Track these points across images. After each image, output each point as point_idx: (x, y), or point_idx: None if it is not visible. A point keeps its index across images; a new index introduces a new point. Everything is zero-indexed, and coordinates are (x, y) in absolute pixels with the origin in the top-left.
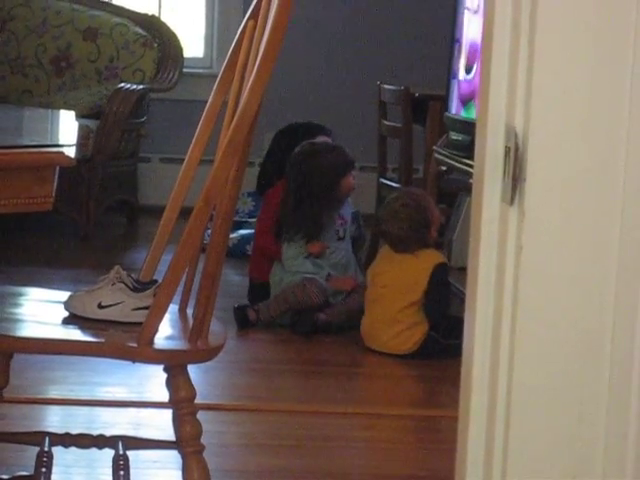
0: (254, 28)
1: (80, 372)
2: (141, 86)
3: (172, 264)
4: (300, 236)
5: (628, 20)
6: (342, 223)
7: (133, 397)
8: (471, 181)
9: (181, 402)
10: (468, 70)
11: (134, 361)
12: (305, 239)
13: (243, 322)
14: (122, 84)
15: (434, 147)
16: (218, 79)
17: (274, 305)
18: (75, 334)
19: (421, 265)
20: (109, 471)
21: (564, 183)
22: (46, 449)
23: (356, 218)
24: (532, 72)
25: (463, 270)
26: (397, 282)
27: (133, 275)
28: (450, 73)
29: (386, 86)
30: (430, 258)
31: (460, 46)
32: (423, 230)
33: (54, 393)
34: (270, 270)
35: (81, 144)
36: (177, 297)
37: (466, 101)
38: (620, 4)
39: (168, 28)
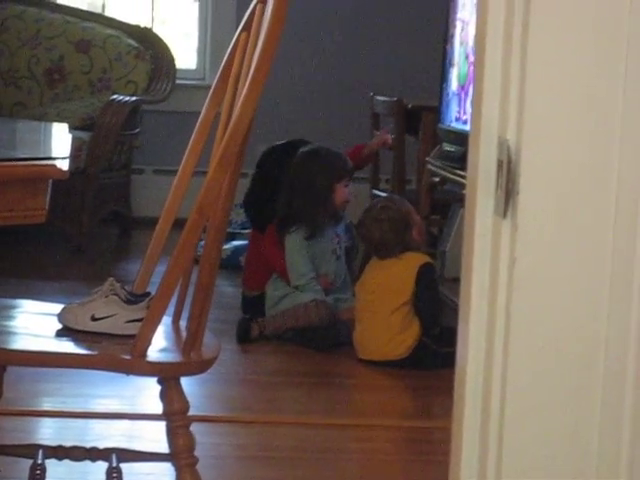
0: (247, 40)
1: (73, 384)
2: (134, 98)
3: (165, 276)
4: (295, 228)
5: (620, 34)
6: (338, 241)
7: (126, 409)
8: (464, 192)
9: (174, 414)
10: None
11: (127, 373)
12: (302, 233)
13: (244, 337)
14: (115, 96)
15: (427, 158)
16: (211, 91)
17: (281, 321)
18: (68, 347)
19: (406, 267)
20: None
21: (557, 196)
22: (39, 462)
23: (349, 229)
24: (524, 85)
25: (456, 281)
26: (384, 287)
27: (126, 287)
28: (443, 84)
29: (379, 97)
30: (414, 260)
31: (452, 58)
32: (404, 231)
33: (47, 405)
34: (263, 283)
35: (74, 156)
36: (170, 309)
37: None
38: (612, 19)
39: (161, 40)
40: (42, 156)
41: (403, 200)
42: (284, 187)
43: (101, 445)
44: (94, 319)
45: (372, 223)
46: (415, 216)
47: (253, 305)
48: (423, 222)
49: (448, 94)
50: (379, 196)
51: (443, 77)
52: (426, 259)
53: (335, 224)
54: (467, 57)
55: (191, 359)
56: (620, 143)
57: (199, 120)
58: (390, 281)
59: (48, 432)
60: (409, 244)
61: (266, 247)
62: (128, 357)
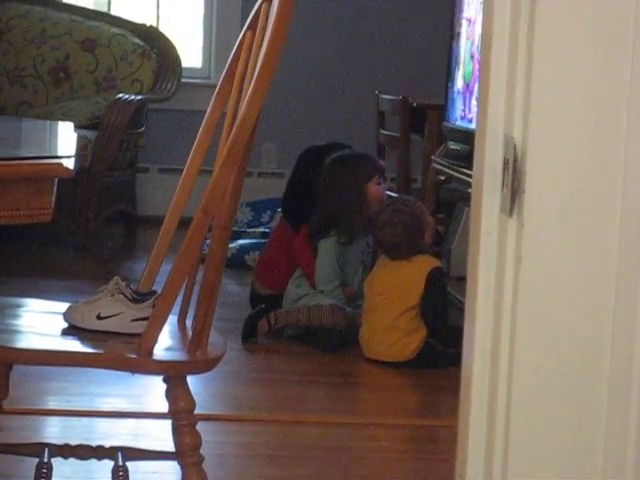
0: (252, 39)
1: (79, 383)
2: (139, 96)
3: (171, 275)
4: (333, 233)
5: (626, 34)
6: (368, 252)
7: (132, 408)
8: (470, 190)
9: (180, 413)
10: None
11: (133, 372)
12: (336, 238)
13: (249, 334)
14: (120, 94)
15: (432, 157)
16: (217, 90)
17: (295, 316)
18: (74, 345)
19: (416, 270)
20: None
21: (563, 195)
22: (45, 460)
23: None
24: (530, 83)
25: (462, 280)
26: (393, 289)
27: (132, 286)
28: (448, 83)
29: (384, 96)
30: (425, 263)
31: (458, 56)
32: (417, 235)
33: (53, 404)
34: (281, 283)
35: (79, 155)
36: (176, 308)
37: None
38: (617, 19)
39: (166, 39)
40: (48, 155)
41: (416, 202)
42: (318, 199)
43: (107, 444)
44: (100, 318)
45: (384, 226)
46: (428, 218)
47: (263, 304)
48: (434, 223)
49: (453, 92)
50: (388, 196)
51: (448, 75)
52: (437, 263)
53: (367, 233)
54: (472, 56)
55: (197, 358)
56: (626, 141)
57: (205, 119)
58: (399, 284)
59: (54, 431)
60: (421, 247)
61: (298, 246)
62: (134, 356)
